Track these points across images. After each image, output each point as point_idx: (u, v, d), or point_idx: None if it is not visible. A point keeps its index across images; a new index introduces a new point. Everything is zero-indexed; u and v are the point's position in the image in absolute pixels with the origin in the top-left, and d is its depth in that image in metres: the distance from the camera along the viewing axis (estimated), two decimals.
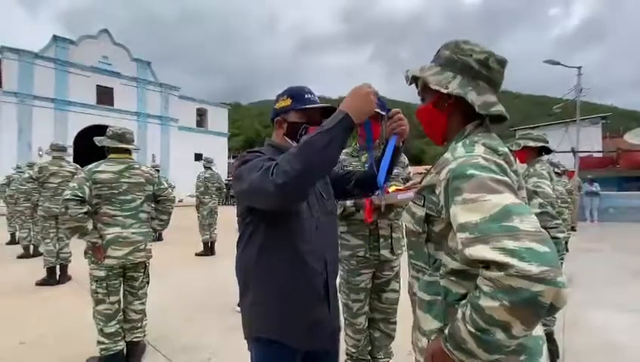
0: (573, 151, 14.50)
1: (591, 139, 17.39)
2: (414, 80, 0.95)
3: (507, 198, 0.65)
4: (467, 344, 0.65)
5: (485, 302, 0.60)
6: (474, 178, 0.69)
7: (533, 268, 0.55)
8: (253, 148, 1.20)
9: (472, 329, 0.63)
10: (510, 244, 0.58)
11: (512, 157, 0.81)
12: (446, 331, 0.71)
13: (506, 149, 0.82)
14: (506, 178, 0.71)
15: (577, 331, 2.98)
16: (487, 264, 0.60)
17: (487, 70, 0.85)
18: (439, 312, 0.79)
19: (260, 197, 0.99)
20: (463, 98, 0.83)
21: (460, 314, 0.67)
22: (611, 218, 12.33)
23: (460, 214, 0.68)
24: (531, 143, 2.47)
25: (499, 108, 0.84)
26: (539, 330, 0.79)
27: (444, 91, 0.84)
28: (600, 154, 17.50)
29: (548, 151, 2.59)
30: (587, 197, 12.07)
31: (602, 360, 2.53)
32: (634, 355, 2.59)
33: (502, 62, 0.87)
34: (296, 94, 1.23)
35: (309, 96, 1.23)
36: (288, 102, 1.23)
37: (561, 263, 4.97)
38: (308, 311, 1.14)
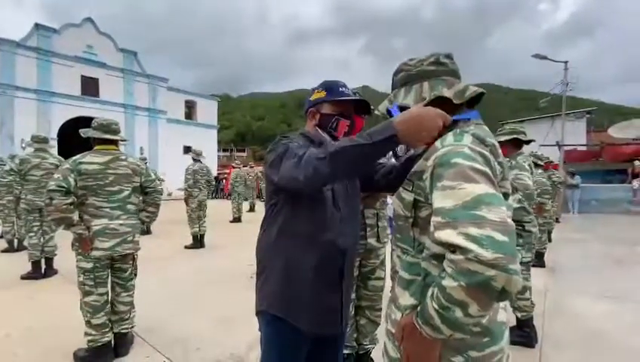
0: (559, 145, 14.80)
1: (576, 133, 17.76)
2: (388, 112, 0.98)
3: (481, 188, 0.69)
4: (433, 320, 0.70)
5: (447, 282, 0.65)
6: (456, 166, 0.72)
7: (488, 255, 0.61)
8: (285, 135, 1.21)
9: (436, 306, 0.68)
10: (474, 231, 0.63)
11: (498, 149, 0.85)
12: (419, 308, 0.76)
13: (494, 141, 0.84)
14: (486, 168, 0.73)
15: (557, 317, 3.08)
16: (454, 248, 0.65)
17: (443, 66, 0.92)
18: (416, 291, 0.83)
19: (290, 183, 1.06)
20: (440, 97, 0.87)
21: (429, 293, 0.72)
22: (594, 209, 12.69)
23: (438, 199, 0.72)
24: (503, 138, 2.63)
25: (472, 90, 0.88)
26: (503, 317, 0.84)
27: (424, 102, 0.88)
28: (584, 148, 17.91)
29: (527, 142, 2.70)
30: (568, 189, 12.36)
31: (581, 346, 2.61)
32: (612, 341, 2.69)
33: (449, 56, 0.94)
34: (331, 87, 1.27)
35: (343, 89, 1.27)
36: (322, 94, 1.26)
37: (544, 252, 5.07)
38: (317, 296, 1.15)
